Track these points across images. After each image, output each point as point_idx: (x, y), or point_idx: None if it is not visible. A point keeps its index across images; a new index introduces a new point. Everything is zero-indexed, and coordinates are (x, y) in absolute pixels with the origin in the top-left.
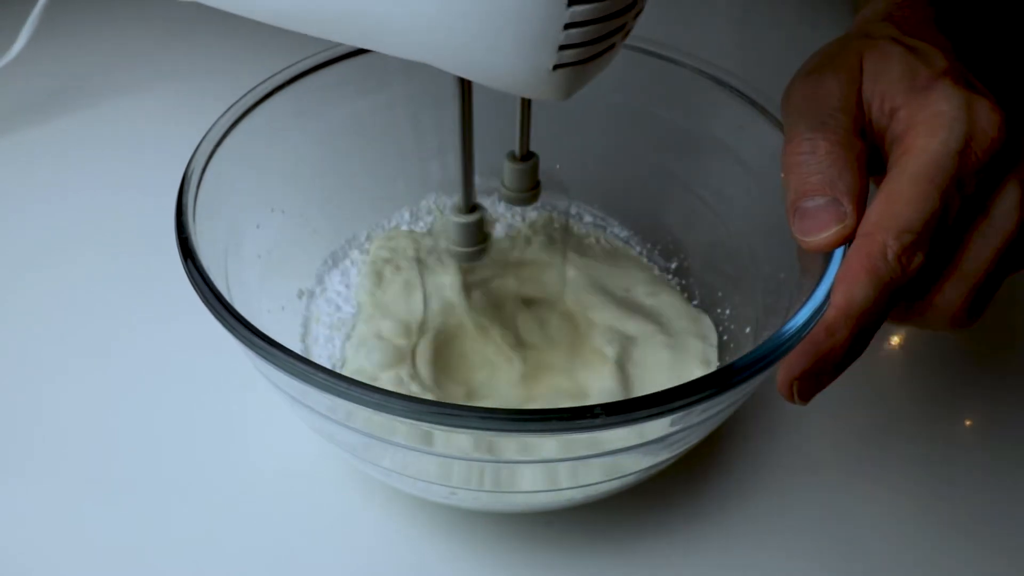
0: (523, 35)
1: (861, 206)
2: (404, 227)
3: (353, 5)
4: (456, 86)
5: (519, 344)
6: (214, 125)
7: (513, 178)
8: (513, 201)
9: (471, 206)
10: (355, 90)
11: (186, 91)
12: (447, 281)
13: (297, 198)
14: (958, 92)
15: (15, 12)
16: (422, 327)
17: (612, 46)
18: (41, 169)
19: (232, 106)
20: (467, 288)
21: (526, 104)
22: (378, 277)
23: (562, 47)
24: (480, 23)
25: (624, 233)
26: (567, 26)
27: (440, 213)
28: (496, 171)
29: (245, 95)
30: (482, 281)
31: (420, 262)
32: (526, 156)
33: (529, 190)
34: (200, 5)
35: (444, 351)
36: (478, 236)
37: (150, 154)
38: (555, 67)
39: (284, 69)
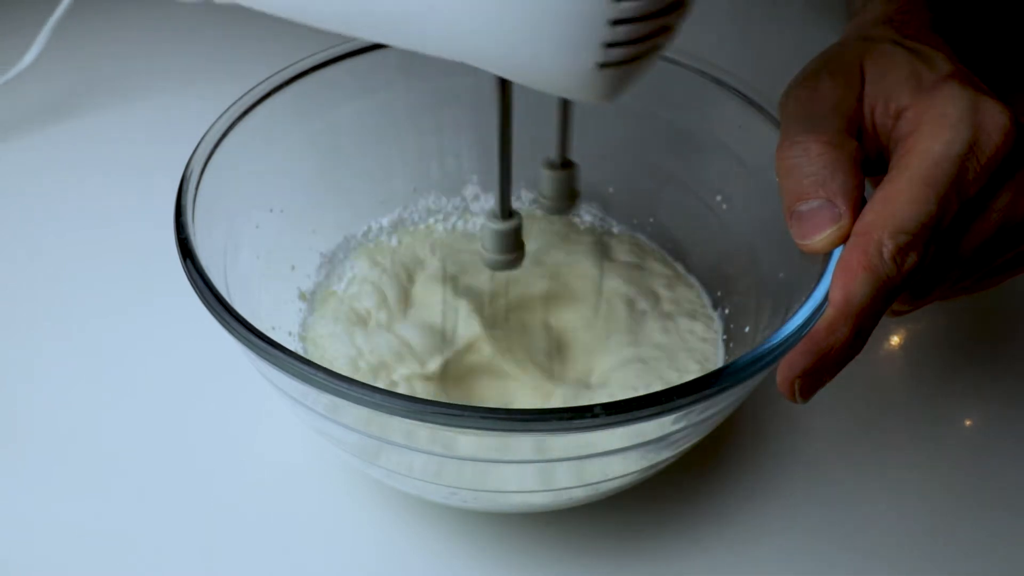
0: (567, 31)
1: (856, 206)
2: (410, 226)
3: (389, 4)
4: (496, 87)
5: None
6: (213, 125)
7: (552, 186)
8: (551, 210)
9: (508, 212)
10: (355, 90)
11: (202, 94)
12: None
13: (296, 198)
14: (966, 94)
15: (29, 19)
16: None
17: (658, 47)
18: (55, 173)
19: (231, 106)
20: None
21: (565, 106)
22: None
23: (608, 45)
24: (522, 18)
25: (623, 233)
26: (614, 22)
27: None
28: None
29: (244, 95)
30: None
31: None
32: (565, 163)
33: (568, 199)
34: (211, 7)
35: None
36: (514, 244)
37: (166, 157)
38: (600, 66)
39: (283, 69)
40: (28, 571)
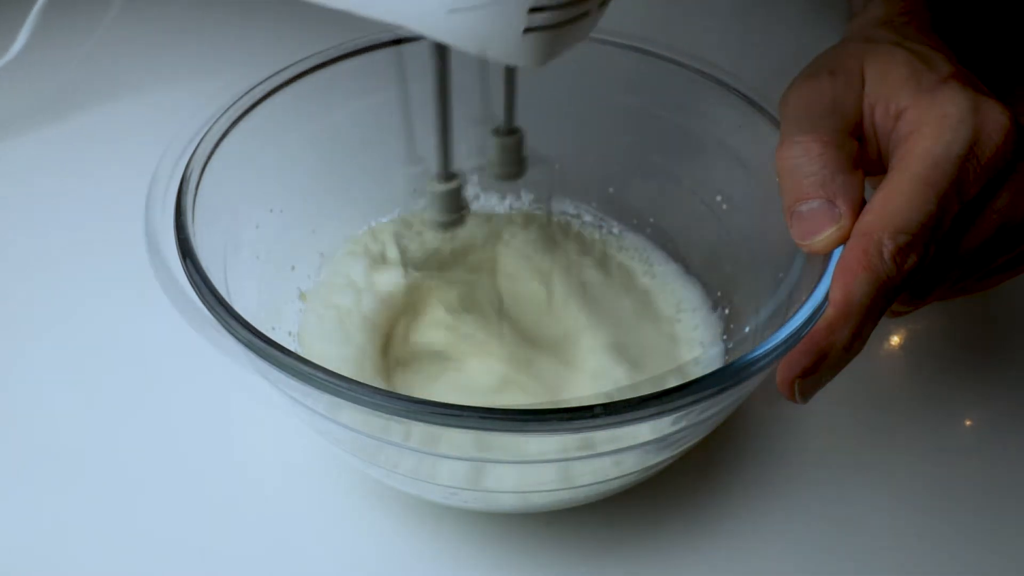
0: None
1: (856, 206)
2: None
3: None
4: (431, 47)
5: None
6: (213, 125)
7: (498, 153)
8: (499, 177)
9: (448, 174)
10: (354, 90)
11: (188, 91)
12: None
13: (296, 198)
14: (966, 94)
15: (14, 12)
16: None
17: (586, 13)
18: (41, 171)
19: (231, 106)
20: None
21: (510, 74)
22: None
23: (533, 10)
24: None
25: (623, 233)
26: None
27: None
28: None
29: (244, 95)
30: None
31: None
32: (511, 130)
33: (515, 166)
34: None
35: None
36: (456, 204)
37: (153, 155)
38: (526, 30)
39: (283, 69)
40: (28, 571)
